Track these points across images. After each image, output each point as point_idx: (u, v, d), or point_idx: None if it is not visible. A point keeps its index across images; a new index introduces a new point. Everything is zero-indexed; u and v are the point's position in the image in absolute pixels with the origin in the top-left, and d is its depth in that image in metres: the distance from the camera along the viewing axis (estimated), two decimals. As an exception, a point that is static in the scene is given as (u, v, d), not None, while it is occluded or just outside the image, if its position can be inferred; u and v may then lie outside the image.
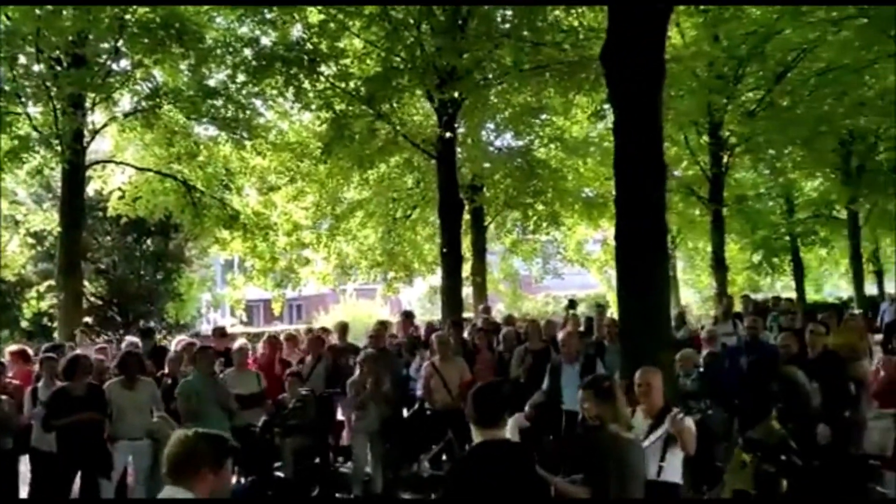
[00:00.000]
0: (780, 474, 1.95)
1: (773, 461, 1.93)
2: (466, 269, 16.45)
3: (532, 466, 3.78)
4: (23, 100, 12.34)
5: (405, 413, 9.64)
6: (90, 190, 15.50)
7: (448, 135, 12.89)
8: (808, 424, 3.49)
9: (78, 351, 8.51)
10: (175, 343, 10.77)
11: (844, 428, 7.16)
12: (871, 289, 24.03)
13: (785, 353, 7.58)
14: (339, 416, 9.37)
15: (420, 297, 27.40)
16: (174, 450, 2.83)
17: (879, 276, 25.53)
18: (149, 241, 21.02)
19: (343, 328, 10.72)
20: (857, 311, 16.61)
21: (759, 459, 1.91)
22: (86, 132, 13.03)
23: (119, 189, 15.30)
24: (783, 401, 1.71)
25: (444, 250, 13.24)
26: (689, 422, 5.19)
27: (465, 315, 14.38)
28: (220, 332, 10.83)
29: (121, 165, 15.10)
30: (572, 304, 17.09)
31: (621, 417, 4.26)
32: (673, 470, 5.10)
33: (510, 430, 3.83)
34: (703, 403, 5.56)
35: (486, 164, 16.14)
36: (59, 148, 12.36)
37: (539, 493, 3.77)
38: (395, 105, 13.24)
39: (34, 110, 12.63)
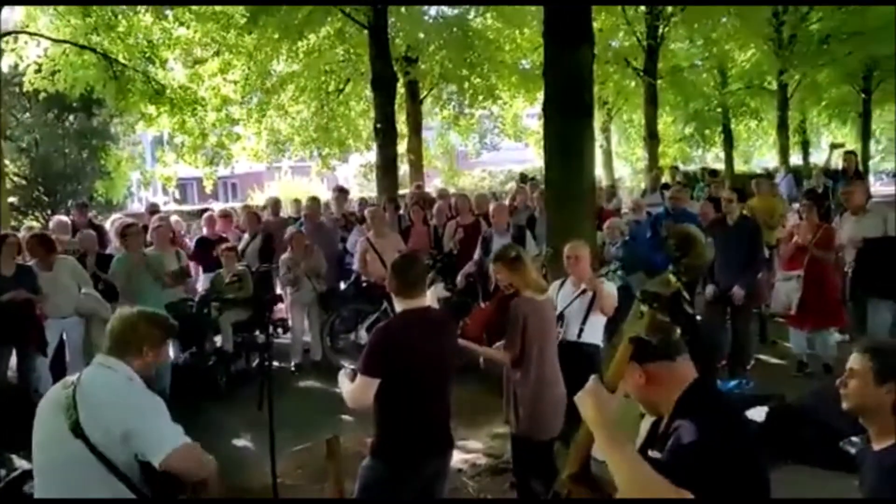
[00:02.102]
0: (674, 323, 2.12)
1: (666, 311, 2.10)
2: (403, 145, 16.32)
3: (453, 330, 3.98)
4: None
5: (342, 287, 9.86)
6: (4, 65, 14.58)
7: (380, 5, 12.46)
8: (698, 276, 3.81)
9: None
10: (110, 222, 10.65)
11: (756, 289, 7.68)
12: (796, 160, 24.85)
13: (703, 219, 8.03)
14: (278, 290, 9.50)
15: (356, 174, 27.21)
16: (118, 328, 2.80)
17: (805, 146, 26.40)
18: (71, 118, 20.06)
19: (275, 203, 10.75)
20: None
21: (654, 310, 2.06)
22: (-8, 0, 12.12)
23: (35, 63, 14.44)
24: (679, 255, 1.83)
25: (378, 125, 13.02)
26: (611, 287, 5.52)
27: (402, 192, 14.41)
28: (152, 209, 10.81)
29: (35, 37, 14.18)
30: (524, 178, 17.30)
31: (532, 283, 4.47)
32: (593, 332, 5.46)
33: (430, 298, 3.98)
34: (613, 265, 5.86)
35: (421, 35, 15.67)
36: (-37, 18, 11.57)
37: (455, 354, 3.98)
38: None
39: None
